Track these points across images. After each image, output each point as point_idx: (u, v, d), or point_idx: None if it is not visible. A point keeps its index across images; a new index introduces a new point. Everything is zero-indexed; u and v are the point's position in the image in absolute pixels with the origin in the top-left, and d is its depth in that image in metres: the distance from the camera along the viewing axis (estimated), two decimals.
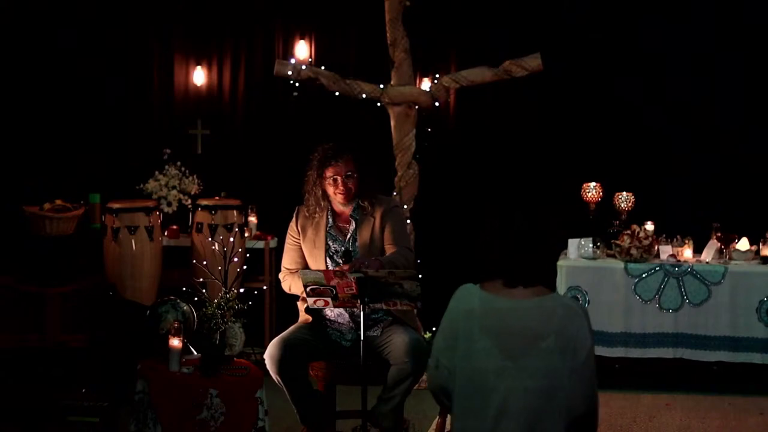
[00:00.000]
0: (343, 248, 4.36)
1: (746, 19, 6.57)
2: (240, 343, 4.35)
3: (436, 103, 6.21)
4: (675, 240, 6.07)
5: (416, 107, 6.14)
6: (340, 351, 4.36)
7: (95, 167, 6.77)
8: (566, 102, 6.76)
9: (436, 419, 4.17)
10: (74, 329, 5.51)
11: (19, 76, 6.80)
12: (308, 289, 4.08)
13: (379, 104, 6.15)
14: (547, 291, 2.69)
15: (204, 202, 6.22)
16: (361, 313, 3.95)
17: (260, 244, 6.37)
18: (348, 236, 4.42)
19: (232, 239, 5.30)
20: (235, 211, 6.20)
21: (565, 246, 6.00)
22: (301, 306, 4.45)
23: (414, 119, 6.15)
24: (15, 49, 6.79)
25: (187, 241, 6.30)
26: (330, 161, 4.34)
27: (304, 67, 6.16)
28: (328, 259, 4.38)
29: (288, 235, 4.51)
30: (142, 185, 6.53)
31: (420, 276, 3.99)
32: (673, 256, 5.94)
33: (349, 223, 4.44)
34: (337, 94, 6.12)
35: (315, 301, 4.13)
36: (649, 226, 6.10)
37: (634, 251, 5.87)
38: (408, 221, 5.93)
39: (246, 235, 6.31)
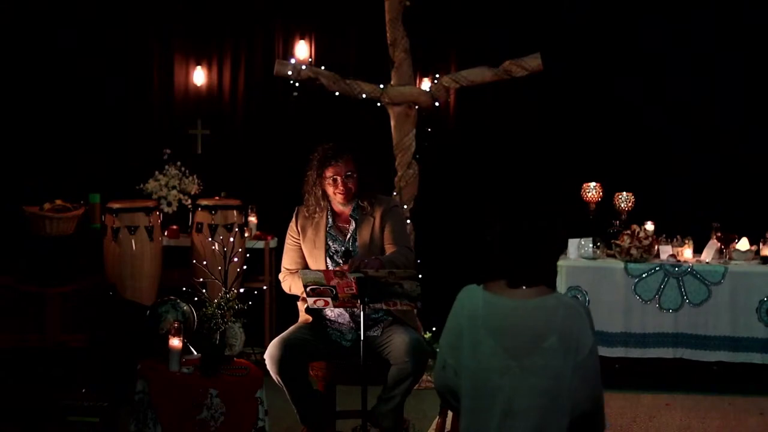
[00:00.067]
0: (343, 248, 4.36)
1: (746, 19, 6.58)
2: (240, 343, 4.35)
3: (436, 103, 6.21)
4: (675, 240, 6.07)
5: (416, 107, 6.14)
6: (340, 351, 4.36)
7: (95, 167, 6.77)
8: (566, 102, 6.76)
9: (436, 419, 4.17)
10: (74, 329, 5.51)
11: (19, 76, 6.80)
12: (308, 289, 4.08)
13: (379, 104, 6.15)
14: (550, 291, 2.71)
15: (204, 202, 6.22)
16: (361, 313, 3.95)
17: (260, 244, 6.37)
18: (348, 236, 4.42)
19: (232, 239, 5.30)
20: (235, 211, 6.20)
21: (566, 246, 6.00)
22: (301, 306, 4.45)
23: (414, 119, 6.15)
24: (15, 49, 6.79)
25: (187, 241, 6.30)
26: (330, 161, 4.34)
27: (304, 67, 6.16)
28: (328, 259, 4.38)
29: (288, 236, 4.51)
30: (142, 185, 6.53)
31: (420, 276, 3.99)
32: (673, 256, 5.94)
33: (348, 223, 4.44)
34: (337, 94, 6.13)
35: (315, 301, 4.13)
36: (649, 226, 6.10)
37: (634, 251, 5.88)
38: (408, 221, 5.94)
39: (246, 235, 6.31)
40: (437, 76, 6.27)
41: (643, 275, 5.85)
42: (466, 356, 2.69)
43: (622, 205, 6.28)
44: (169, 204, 6.55)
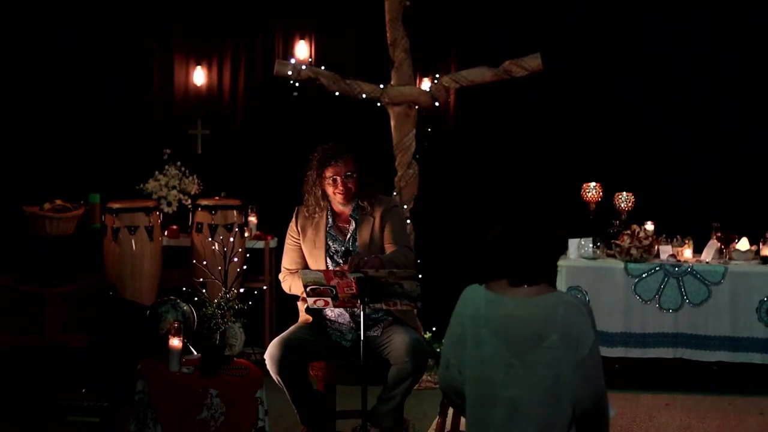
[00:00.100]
0: (343, 248, 4.36)
1: (746, 19, 6.57)
2: (240, 343, 4.35)
3: (436, 103, 6.21)
4: (675, 240, 6.07)
5: (416, 107, 6.14)
6: (341, 351, 4.36)
7: (95, 167, 6.77)
8: (566, 102, 6.76)
9: (436, 419, 4.17)
10: (74, 329, 5.51)
11: (19, 76, 6.80)
12: (308, 289, 4.08)
13: (379, 104, 6.15)
14: (551, 289, 2.73)
15: (204, 202, 6.22)
16: (361, 313, 3.95)
17: (260, 244, 6.37)
18: (348, 236, 4.42)
19: (232, 239, 5.30)
20: (235, 211, 6.20)
21: (567, 245, 6.00)
22: (301, 306, 4.45)
23: (414, 119, 6.15)
24: (15, 49, 6.79)
25: (187, 241, 6.29)
26: (330, 161, 4.34)
27: (304, 67, 6.16)
28: (328, 259, 4.38)
29: (288, 236, 4.51)
30: (142, 185, 6.53)
31: (420, 276, 3.99)
32: (673, 256, 5.94)
33: (348, 223, 4.44)
34: (337, 94, 6.13)
35: (315, 301, 4.13)
36: (649, 226, 6.10)
37: (634, 251, 5.87)
38: (408, 221, 5.94)
39: (246, 235, 6.31)
40: (437, 76, 6.27)
41: (643, 275, 5.85)
42: (469, 356, 2.70)
43: (622, 205, 6.28)
44: (169, 204, 6.55)
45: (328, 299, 4.09)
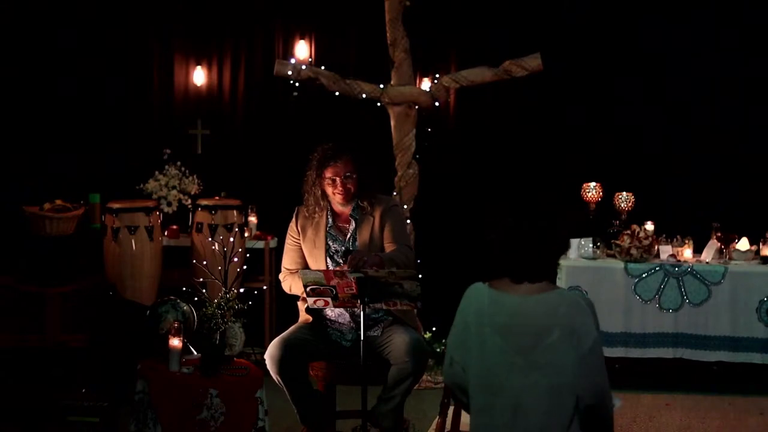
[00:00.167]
0: (343, 248, 4.36)
1: (746, 19, 6.57)
2: (240, 343, 4.35)
3: (436, 103, 6.21)
4: (675, 240, 6.07)
5: (416, 107, 6.14)
6: (341, 351, 4.36)
7: (95, 167, 6.77)
8: (566, 102, 6.76)
9: (436, 419, 4.17)
10: (74, 329, 5.51)
11: (19, 76, 6.80)
12: (308, 289, 4.08)
13: (379, 104, 6.15)
14: (553, 287, 2.76)
15: (204, 202, 6.21)
16: (362, 313, 3.95)
17: (260, 244, 6.37)
18: (348, 236, 4.42)
19: (232, 239, 5.30)
20: (235, 211, 6.19)
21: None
22: (301, 306, 4.45)
23: (414, 119, 6.15)
24: (15, 49, 6.79)
25: (187, 241, 6.29)
26: (329, 162, 4.34)
27: (304, 67, 6.16)
28: (328, 259, 4.38)
29: (288, 236, 4.51)
30: (142, 185, 6.53)
31: (420, 276, 3.99)
32: (673, 256, 5.94)
33: (348, 222, 4.44)
34: (337, 94, 6.12)
35: (315, 301, 4.13)
36: (649, 226, 6.10)
37: (634, 251, 5.88)
38: (408, 221, 5.94)
39: (246, 235, 6.30)
40: (437, 76, 6.27)
41: (643, 275, 5.85)
42: (473, 354, 2.73)
43: (622, 205, 6.28)
44: (169, 204, 6.55)
45: (328, 299, 4.09)
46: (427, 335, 6.26)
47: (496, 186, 6.54)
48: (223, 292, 4.26)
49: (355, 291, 3.98)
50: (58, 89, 6.86)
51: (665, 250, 5.97)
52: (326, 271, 4.05)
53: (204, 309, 4.25)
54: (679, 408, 5.52)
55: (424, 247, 6.19)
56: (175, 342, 4.12)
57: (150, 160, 6.72)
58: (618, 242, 5.96)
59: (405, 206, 6.02)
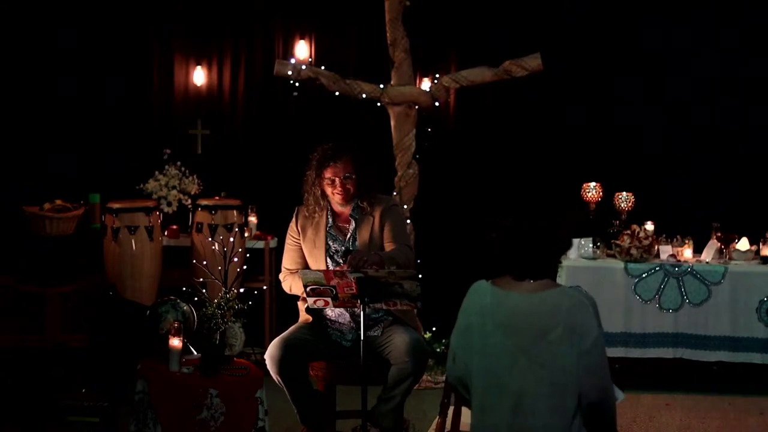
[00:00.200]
0: (343, 248, 4.36)
1: (746, 19, 6.57)
2: (240, 343, 4.35)
3: (436, 103, 6.21)
4: (675, 240, 6.06)
5: (416, 107, 6.14)
6: (341, 351, 4.36)
7: (95, 167, 6.77)
8: (566, 102, 6.76)
9: (436, 419, 4.17)
10: (74, 329, 5.51)
11: (19, 76, 6.80)
12: (308, 289, 4.08)
13: (379, 104, 6.15)
14: (555, 284, 2.78)
15: (204, 202, 6.21)
16: (362, 313, 3.95)
17: (260, 244, 6.37)
18: (348, 236, 4.42)
19: (232, 239, 5.30)
20: (235, 211, 6.19)
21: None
22: (301, 306, 4.45)
23: (414, 119, 6.15)
24: (15, 49, 6.79)
25: (187, 241, 6.29)
26: (328, 162, 4.34)
27: (304, 67, 6.15)
28: (328, 259, 4.38)
29: (288, 236, 4.51)
30: (142, 185, 6.53)
31: (420, 276, 3.99)
32: (673, 256, 5.94)
33: (348, 222, 4.44)
34: (337, 94, 6.12)
35: (315, 301, 4.13)
36: (649, 226, 6.10)
37: (634, 251, 5.88)
38: (408, 221, 5.94)
39: (246, 235, 6.30)
40: (437, 76, 6.27)
41: (643, 275, 5.85)
42: (476, 349, 2.76)
43: (622, 205, 6.28)
44: (169, 204, 6.55)
45: (328, 299, 4.09)
46: (427, 335, 6.26)
47: (496, 186, 6.55)
48: (223, 292, 4.26)
49: (355, 291, 3.98)
50: (58, 89, 6.86)
51: (665, 250, 5.97)
52: (326, 271, 4.05)
53: (204, 309, 4.25)
54: (679, 408, 5.52)
55: (424, 247, 6.19)
56: (175, 342, 4.12)
57: (150, 160, 6.72)
58: (618, 242, 5.96)
59: (405, 206, 6.02)
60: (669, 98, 6.70)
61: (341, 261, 4.30)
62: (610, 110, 6.73)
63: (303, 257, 4.45)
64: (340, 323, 4.40)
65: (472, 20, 6.80)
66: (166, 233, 6.34)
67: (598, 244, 6.05)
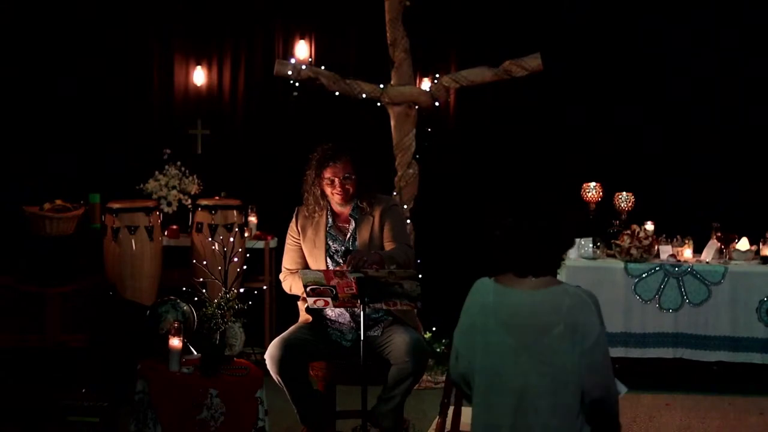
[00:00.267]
0: (343, 248, 4.36)
1: (746, 19, 6.57)
2: (240, 343, 4.35)
3: (436, 103, 6.21)
4: (675, 240, 6.07)
5: (416, 107, 6.14)
6: (341, 351, 4.36)
7: (95, 167, 6.77)
8: (566, 102, 6.76)
9: (436, 419, 4.17)
10: (74, 329, 5.51)
11: (19, 76, 6.80)
12: (308, 289, 4.08)
13: (379, 104, 6.15)
14: (557, 282, 2.79)
15: (204, 202, 6.21)
16: (362, 313, 3.95)
17: (260, 244, 6.37)
18: (348, 236, 4.42)
19: (232, 239, 5.30)
20: (235, 211, 6.19)
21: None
22: (301, 306, 4.45)
23: (414, 119, 6.15)
24: (15, 49, 6.79)
25: (187, 241, 6.29)
26: (328, 162, 4.34)
27: (304, 67, 6.15)
28: (328, 259, 4.38)
29: (288, 236, 4.51)
30: (142, 185, 6.53)
31: (420, 276, 3.99)
32: (673, 256, 5.94)
33: (348, 222, 4.44)
34: (337, 94, 6.12)
35: (315, 301, 4.13)
36: (649, 226, 6.10)
37: (634, 251, 5.88)
38: (408, 221, 5.94)
39: (246, 235, 6.30)
40: (437, 76, 6.27)
41: (643, 275, 5.85)
42: (478, 346, 2.77)
43: (622, 205, 6.28)
44: (169, 204, 6.55)
45: (328, 299, 4.09)
46: (427, 335, 6.26)
47: (496, 186, 6.54)
48: (223, 292, 4.26)
49: (355, 291, 3.98)
50: (58, 89, 6.86)
51: (665, 250, 5.97)
52: (326, 271, 4.05)
53: (204, 309, 4.25)
54: (679, 408, 5.52)
55: (424, 247, 6.19)
56: (175, 342, 4.12)
57: (150, 160, 6.72)
58: (618, 242, 5.96)
59: (405, 206, 6.02)
60: (669, 98, 6.70)
61: (341, 261, 4.30)
62: (610, 110, 6.73)
63: (303, 257, 4.45)
64: (340, 323, 4.40)
65: (472, 20, 6.80)
66: (166, 233, 6.35)
67: (598, 244, 6.05)
